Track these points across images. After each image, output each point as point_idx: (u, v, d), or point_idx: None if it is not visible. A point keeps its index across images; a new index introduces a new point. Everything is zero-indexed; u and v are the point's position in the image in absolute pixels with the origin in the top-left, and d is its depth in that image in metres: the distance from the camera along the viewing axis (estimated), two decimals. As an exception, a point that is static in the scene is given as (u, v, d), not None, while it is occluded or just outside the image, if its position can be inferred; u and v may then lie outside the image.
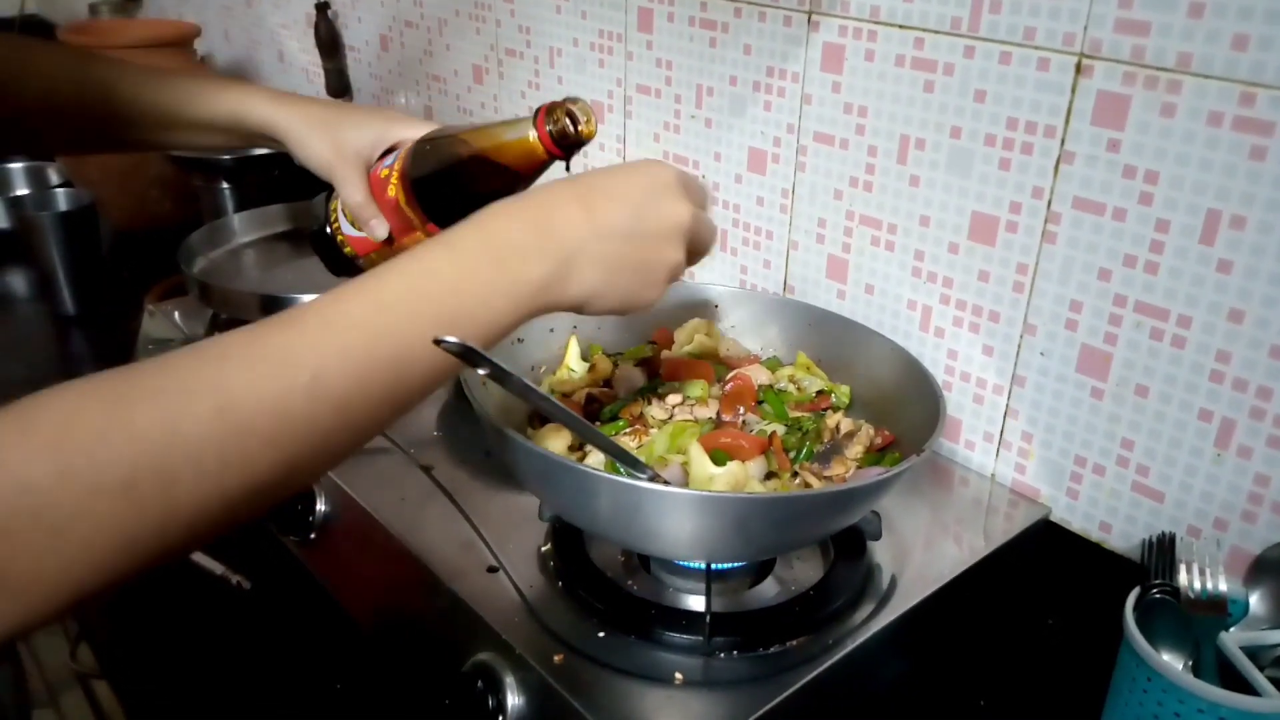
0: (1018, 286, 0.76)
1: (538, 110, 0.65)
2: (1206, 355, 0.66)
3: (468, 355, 0.47)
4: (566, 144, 0.65)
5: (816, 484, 0.66)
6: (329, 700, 0.70)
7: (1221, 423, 0.66)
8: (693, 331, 0.81)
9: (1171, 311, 0.67)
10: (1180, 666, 0.61)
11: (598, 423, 0.72)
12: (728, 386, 0.75)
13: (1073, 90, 0.68)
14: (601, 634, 0.62)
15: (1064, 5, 0.67)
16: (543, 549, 0.70)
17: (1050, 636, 0.75)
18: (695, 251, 0.59)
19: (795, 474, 0.68)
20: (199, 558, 0.80)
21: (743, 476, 0.63)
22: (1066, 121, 0.69)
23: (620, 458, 0.61)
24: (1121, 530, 0.74)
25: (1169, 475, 0.70)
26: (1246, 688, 0.56)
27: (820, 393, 0.77)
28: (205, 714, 0.70)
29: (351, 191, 0.75)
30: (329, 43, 1.49)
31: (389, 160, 0.74)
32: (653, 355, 0.80)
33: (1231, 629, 0.61)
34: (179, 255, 1.06)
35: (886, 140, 0.81)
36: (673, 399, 0.73)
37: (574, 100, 0.65)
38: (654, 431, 0.70)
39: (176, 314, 1.06)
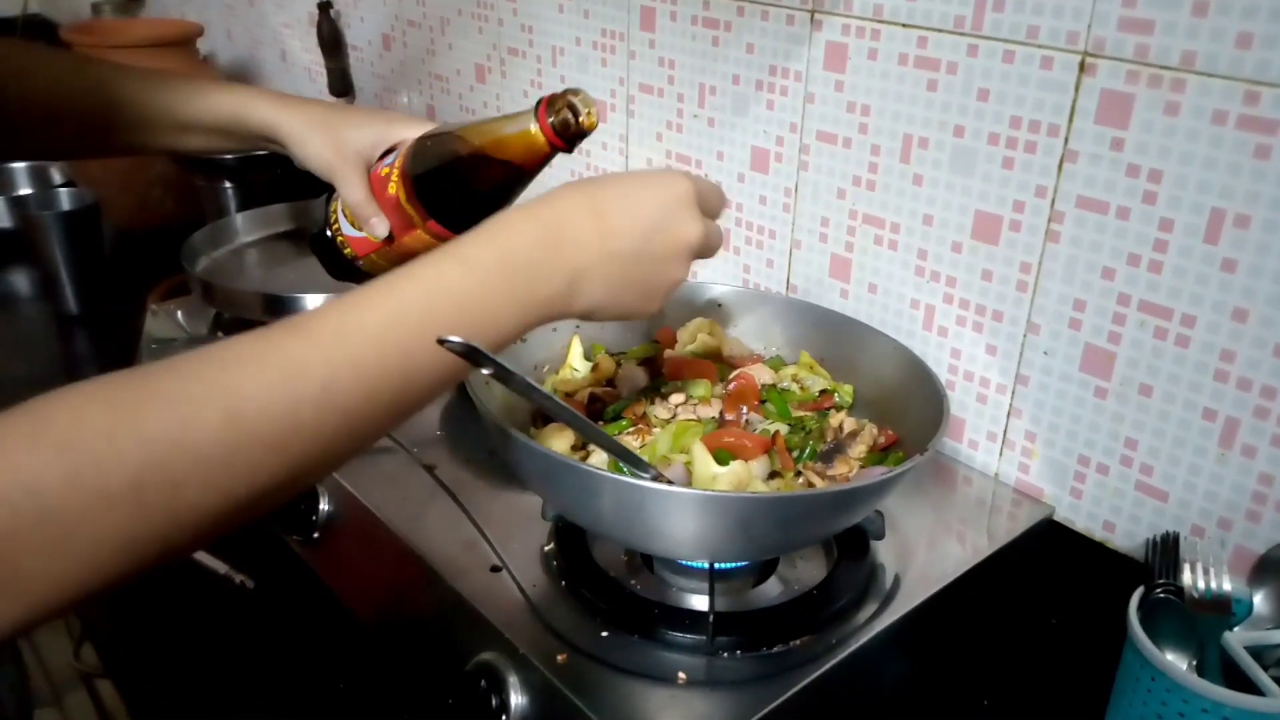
0: (1021, 286, 0.75)
1: (539, 102, 0.65)
2: (1211, 354, 0.66)
3: (472, 355, 0.48)
4: (569, 135, 0.65)
5: (820, 484, 0.66)
6: (332, 699, 0.70)
7: (1226, 422, 0.66)
8: (696, 331, 0.81)
9: (1175, 311, 0.67)
10: (1184, 666, 0.61)
11: (601, 422, 0.72)
12: (731, 386, 0.75)
13: (1076, 89, 0.68)
14: (605, 634, 0.62)
15: (1067, 4, 0.67)
16: (546, 548, 0.70)
17: (1054, 636, 0.75)
18: (700, 257, 0.59)
19: (798, 473, 0.68)
20: (202, 557, 0.80)
21: (746, 476, 0.63)
22: (1070, 120, 0.69)
23: (623, 457, 0.61)
24: (1125, 530, 0.74)
25: (1173, 475, 0.70)
26: (1251, 688, 0.56)
27: (823, 392, 0.77)
28: (209, 713, 0.70)
29: (352, 191, 0.75)
30: (331, 42, 1.50)
31: (389, 159, 0.74)
32: (656, 354, 0.80)
33: (1236, 629, 0.61)
34: (182, 255, 1.06)
35: (889, 139, 0.81)
36: (676, 398, 0.73)
37: (575, 91, 0.65)
38: (657, 431, 0.70)
39: (179, 313, 1.06)
